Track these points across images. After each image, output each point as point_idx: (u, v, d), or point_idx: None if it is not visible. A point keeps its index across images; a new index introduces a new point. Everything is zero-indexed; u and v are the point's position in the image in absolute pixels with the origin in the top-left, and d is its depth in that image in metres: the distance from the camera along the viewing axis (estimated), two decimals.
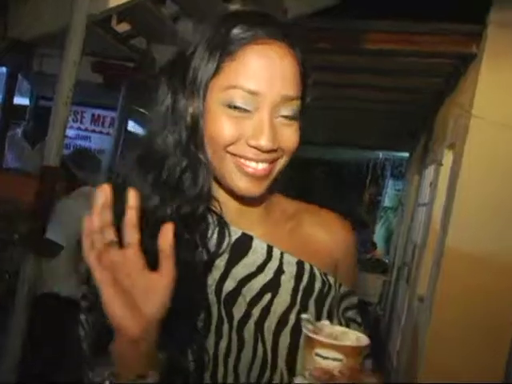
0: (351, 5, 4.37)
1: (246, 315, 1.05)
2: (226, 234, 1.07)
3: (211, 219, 1.08)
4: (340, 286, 1.13)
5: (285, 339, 1.05)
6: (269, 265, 1.08)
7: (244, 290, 1.05)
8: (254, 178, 1.01)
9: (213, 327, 1.02)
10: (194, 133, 1.04)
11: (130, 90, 6.35)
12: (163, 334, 0.90)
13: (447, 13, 4.44)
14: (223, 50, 1.01)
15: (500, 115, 4.16)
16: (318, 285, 1.10)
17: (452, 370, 4.00)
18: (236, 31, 1.01)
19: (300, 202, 1.21)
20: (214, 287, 1.04)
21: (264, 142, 0.98)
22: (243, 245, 1.09)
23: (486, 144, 4.25)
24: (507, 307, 3.92)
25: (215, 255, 1.05)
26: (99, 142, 7.43)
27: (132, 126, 10.71)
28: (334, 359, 0.87)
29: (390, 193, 12.80)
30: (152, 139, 1.07)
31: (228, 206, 1.09)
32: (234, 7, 1.09)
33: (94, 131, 7.69)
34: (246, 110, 1.00)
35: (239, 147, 1.00)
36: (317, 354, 0.88)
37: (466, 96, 4.75)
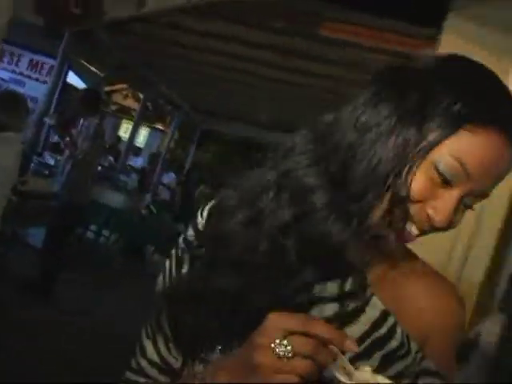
0: None
1: None
2: None
3: None
4: (422, 358, 1.02)
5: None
6: (352, 298, 1.01)
7: (315, 309, 0.99)
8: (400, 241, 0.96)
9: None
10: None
11: (73, 38, 6.20)
12: None
13: (404, 14, 4.50)
14: (472, 113, 0.91)
15: None
16: (394, 342, 1.00)
17: None
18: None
19: (418, 258, 1.11)
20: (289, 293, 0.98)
21: (439, 222, 0.93)
22: None
23: None
24: None
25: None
26: (34, 89, 7.27)
27: (71, 78, 10.48)
28: None
29: None
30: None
31: None
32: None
33: (29, 77, 7.51)
34: (446, 179, 0.92)
35: (412, 206, 0.93)
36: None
37: None
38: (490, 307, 4.44)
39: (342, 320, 0.99)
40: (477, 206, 1.01)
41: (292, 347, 0.80)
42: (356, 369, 0.83)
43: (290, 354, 0.79)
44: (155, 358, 1.07)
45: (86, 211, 6.56)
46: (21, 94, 4.95)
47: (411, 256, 1.09)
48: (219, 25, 5.91)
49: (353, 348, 0.82)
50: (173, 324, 1.03)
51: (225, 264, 0.97)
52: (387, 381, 0.84)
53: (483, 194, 0.95)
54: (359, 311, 1.00)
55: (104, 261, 8.11)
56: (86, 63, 10.75)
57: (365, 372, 0.84)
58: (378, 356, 0.98)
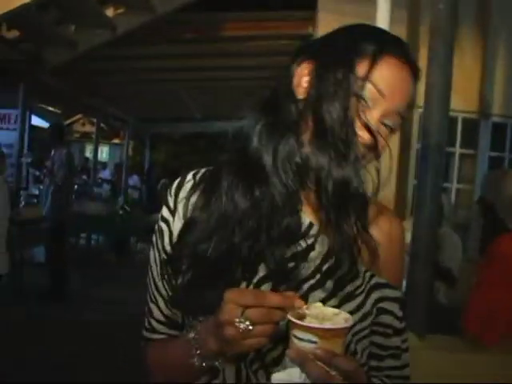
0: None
1: (267, 276, 0.95)
2: None
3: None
4: (372, 276, 1.00)
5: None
6: (304, 238, 0.98)
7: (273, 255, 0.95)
8: (365, 161, 0.94)
9: (236, 280, 0.95)
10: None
11: (28, 89, 6.14)
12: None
13: (285, 1, 4.63)
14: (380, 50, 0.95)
15: None
16: (342, 269, 0.96)
17: None
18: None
19: None
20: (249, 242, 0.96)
21: (367, 137, 0.92)
22: None
23: None
24: None
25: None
26: (7, 137, 7.19)
27: (35, 121, 10.31)
28: (309, 341, 0.78)
29: None
30: None
31: None
32: None
33: (1, 128, 7.43)
34: (365, 101, 0.92)
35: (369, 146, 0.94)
36: (294, 336, 0.80)
37: None
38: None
39: (298, 258, 0.96)
40: None
41: (250, 320, 0.79)
42: (307, 308, 0.83)
43: (250, 327, 0.79)
44: (161, 317, 1.05)
45: (75, 223, 6.61)
46: None
47: None
48: (143, 47, 5.94)
49: (300, 304, 0.82)
50: (168, 286, 1.02)
51: (198, 229, 0.96)
52: (336, 310, 0.84)
53: (399, 115, 0.95)
54: (310, 249, 0.97)
55: (98, 258, 8.20)
56: (44, 106, 10.60)
57: (315, 307, 0.84)
58: (330, 282, 0.96)
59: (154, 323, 1.06)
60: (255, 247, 0.94)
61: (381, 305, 1.02)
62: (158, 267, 1.03)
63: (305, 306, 0.82)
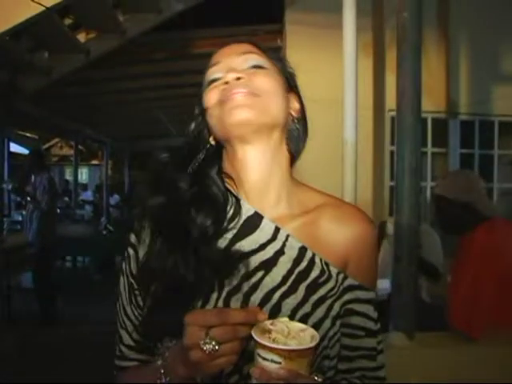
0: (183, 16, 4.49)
1: (236, 288, 0.94)
2: (240, 211, 0.98)
3: (230, 198, 1.00)
4: (345, 278, 0.99)
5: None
6: (271, 244, 0.96)
7: (240, 265, 0.94)
8: (240, 103, 0.94)
9: (202, 292, 0.93)
10: (204, 126, 1.04)
11: (5, 117, 6.07)
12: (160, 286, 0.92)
13: (254, 16, 4.65)
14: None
15: (303, 89, 4.38)
16: (315, 272, 0.96)
17: None
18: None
19: (326, 195, 1.07)
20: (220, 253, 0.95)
21: (230, 74, 0.97)
22: (253, 223, 0.98)
23: None
24: None
25: (225, 229, 0.97)
26: None
27: (14, 147, 10.20)
28: (272, 361, 0.76)
29: None
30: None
31: (246, 188, 1.00)
32: None
33: None
34: (219, 78, 0.99)
35: (220, 95, 0.97)
36: (258, 355, 0.77)
37: None
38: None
39: (267, 266, 0.95)
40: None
41: (216, 340, 0.77)
42: (271, 324, 0.80)
43: (216, 347, 0.76)
44: (130, 342, 1.02)
45: (60, 246, 6.53)
46: None
47: (315, 194, 1.07)
48: (117, 69, 5.93)
49: (263, 317, 0.80)
50: (136, 312, 1.01)
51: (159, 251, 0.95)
52: (303, 326, 0.82)
53: (245, 52, 1.02)
54: (279, 254, 0.96)
55: (84, 279, 8.08)
56: (21, 132, 10.49)
57: (281, 322, 0.81)
58: (302, 287, 0.95)
59: (124, 350, 1.03)
60: (216, 260, 0.93)
61: (351, 306, 1.00)
62: (127, 292, 1.02)
63: (270, 322, 0.80)
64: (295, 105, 1.07)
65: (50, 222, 5.92)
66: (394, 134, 4.65)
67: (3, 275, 5.46)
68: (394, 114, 4.48)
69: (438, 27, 4.53)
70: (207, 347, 0.76)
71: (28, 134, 11.03)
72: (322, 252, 0.98)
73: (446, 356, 2.37)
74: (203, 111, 1.02)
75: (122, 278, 1.04)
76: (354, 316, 1.01)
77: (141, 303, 0.99)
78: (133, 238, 1.02)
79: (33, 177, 5.92)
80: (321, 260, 0.97)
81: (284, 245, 0.97)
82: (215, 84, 1.00)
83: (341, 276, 0.99)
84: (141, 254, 0.99)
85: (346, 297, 0.99)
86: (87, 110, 8.10)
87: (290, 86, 1.07)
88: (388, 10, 4.45)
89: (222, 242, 0.96)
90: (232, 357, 0.79)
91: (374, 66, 4.54)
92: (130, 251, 1.02)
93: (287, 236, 0.97)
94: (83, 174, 18.51)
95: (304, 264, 0.96)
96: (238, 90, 0.95)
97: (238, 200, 1.00)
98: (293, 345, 0.77)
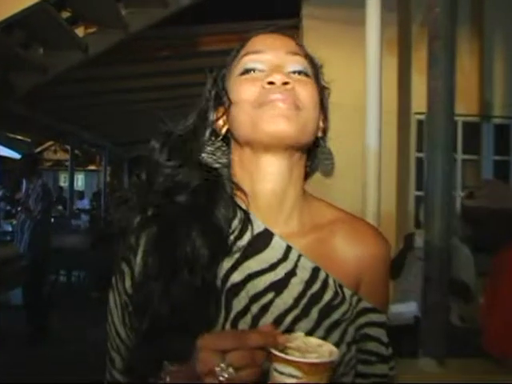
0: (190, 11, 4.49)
1: (245, 310, 0.93)
2: (249, 227, 0.97)
3: (239, 212, 0.97)
4: (359, 301, 0.99)
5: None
6: (282, 265, 0.96)
7: (249, 285, 0.93)
8: (282, 111, 0.93)
9: (209, 315, 0.91)
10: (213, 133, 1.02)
11: None
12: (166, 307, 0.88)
13: (269, 11, 4.64)
14: (240, 47, 1.03)
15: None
16: (328, 295, 0.96)
17: None
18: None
19: (338, 210, 1.07)
20: (221, 276, 0.94)
21: (276, 74, 0.94)
22: (263, 240, 0.97)
23: None
24: None
25: (233, 245, 0.95)
26: None
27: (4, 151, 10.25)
28: (290, 375, 0.76)
29: None
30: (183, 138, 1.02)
31: (258, 200, 0.99)
32: None
33: None
34: (258, 70, 0.97)
35: (260, 96, 0.94)
36: (275, 369, 0.77)
37: None
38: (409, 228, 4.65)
39: (278, 287, 0.95)
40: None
41: (232, 367, 0.75)
42: (287, 340, 0.80)
43: (234, 374, 0.75)
44: (121, 365, 0.99)
45: (53, 259, 6.53)
46: None
47: (327, 209, 1.07)
48: (117, 67, 5.94)
49: (283, 341, 0.78)
50: (130, 333, 0.97)
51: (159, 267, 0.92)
52: (321, 341, 0.82)
53: (292, 52, 0.99)
54: (291, 275, 0.96)
55: (80, 295, 8.03)
56: (11, 135, 10.54)
57: (296, 338, 0.81)
58: (315, 311, 0.95)
59: (116, 375, 1.00)
60: (227, 278, 0.93)
61: (365, 331, 1.00)
62: (119, 311, 0.98)
63: (285, 337, 0.80)
64: (322, 123, 1.05)
65: (44, 232, 5.92)
66: (420, 139, 4.67)
67: None
68: (420, 117, 4.54)
69: (471, 25, 4.51)
70: (224, 375, 0.75)
71: (19, 137, 11.06)
72: (335, 272, 0.98)
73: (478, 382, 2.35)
74: (224, 95, 1.00)
75: (113, 295, 1.00)
76: (368, 341, 1.01)
77: (135, 325, 0.94)
78: (127, 253, 0.97)
79: (24, 183, 5.94)
80: (334, 281, 0.97)
81: (296, 265, 0.96)
82: (254, 75, 0.97)
83: (355, 298, 0.99)
84: (136, 271, 0.95)
85: (360, 320, 0.99)
86: (84, 112, 8.14)
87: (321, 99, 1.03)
88: (415, 3, 4.44)
89: (229, 261, 0.95)
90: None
91: (399, 65, 4.53)
92: (125, 267, 0.97)
93: (299, 256, 0.97)
94: (79, 181, 18.59)
95: (317, 286, 0.96)
96: (284, 96, 0.93)
97: (247, 214, 0.98)
98: (312, 358, 0.77)
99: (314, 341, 0.82)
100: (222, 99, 1.01)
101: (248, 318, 0.93)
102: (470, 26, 4.50)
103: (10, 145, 11.13)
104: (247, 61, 0.99)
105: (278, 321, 0.93)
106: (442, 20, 2.28)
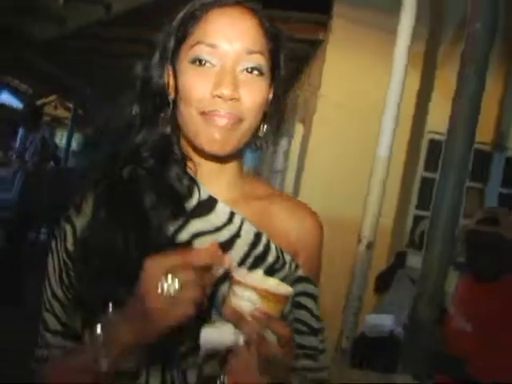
0: None
1: None
2: (196, 192, 1.02)
3: (185, 179, 1.02)
4: (296, 268, 1.05)
5: (220, 295, 0.97)
6: (227, 227, 1.01)
7: (196, 244, 0.98)
8: (221, 132, 0.96)
9: None
10: (164, 98, 1.02)
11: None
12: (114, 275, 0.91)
13: (298, 2, 4.61)
14: (190, 17, 1.00)
15: (341, 93, 4.43)
16: (271, 257, 1.02)
17: None
18: (201, 1, 1.00)
19: (275, 188, 1.17)
20: (169, 234, 0.98)
21: (225, 89, 0.94)
22: (207, 206, 1.02)
23: (330, 120, 4.49)
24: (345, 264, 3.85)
25: (181, 207, 0.99)
26: None
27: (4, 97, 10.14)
28: (248, 300, 0.81)
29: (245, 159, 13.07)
30: (121, 110, 1.04)
31: (202, 168, 1.03)
32: None
33: None
34: (210, 64, 0.97)
35: (206, 103, 0.96)
36: (233, 293, 0.82)
37: (314, 78, 4.95)
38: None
39: (224, 247, 0.95)
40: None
41: (178, 281, 0.79)
42: (247, 275, 0.85)
43: (177, 287, 0.79)
44: (57, 326, 1.02)
45: (38, 216, 6.46)
46: None
47: (266, 185, 1.15)
48: (138, 30, 5.89)
49: (231, 261, 0.84)
50: (68, 291, 1.00)
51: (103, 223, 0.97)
52: (277, 280, 0.87)
53: (249, 51, 0.97)
54: (235, 237, 1.01)
55: None
56: (13, 83, 10.46)
57: (256, 274, 0.86)
58: (260, 271, 0.95)
59: (48, 337, 1.02)
60: (174, 237, 0.97)
61: (298, 299, 1.05)
62: (57, 273, 1.01)
63: (245, 273, 0.86)
64: (269, 96, 1.05)
65: (35, 186, 5.85)
66: (430, 159, 4.68)
67: None
68: (434, 136, 4.54)
69: (502, 47, 4.46)
70: (167, 288, 0.78)
71: (23, 85, 10.97)
72: (275, 240, 1.04)
73: None
74: (171, 66, 1.03)
75: (51, 257, 1.03)
76: (301, 310, 1.05)
77: (73, 282, 0.99)
78: (71, 211, 1.02)
79: (21, 133, 5.89)
80: (276, 247, 1.03)
81: (240, 228, 1.02)
82: (205, 69, 0.97)
83: (293, 265, 1.04)
84: (78, 227, 1.00)
85: (296, 288, 1.01)
86: (95, 72, 8.08)
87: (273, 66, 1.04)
88: (449, 19, 4.41)
89: (176, 222, 0.99)
90: (190, 308, 0.80)
91: (421, 81, 4.53)
92: (66, 226, 1.02)
93: (242, 220, 1.03)
94: (75, 141, 18.47)
95: (260, 249, 1.02)
96: (228, 112, 0.96)
97: (194, 180, 1.03)
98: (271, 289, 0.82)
99: (271, 280, 0.86)
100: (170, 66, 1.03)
101: None
102: (501, 48, 4.44)
103: (12, 93, 11.05)
104: (200, 51, 0.97)
105: (224, 280, 0.95)
106: (481, 38, 2.21)
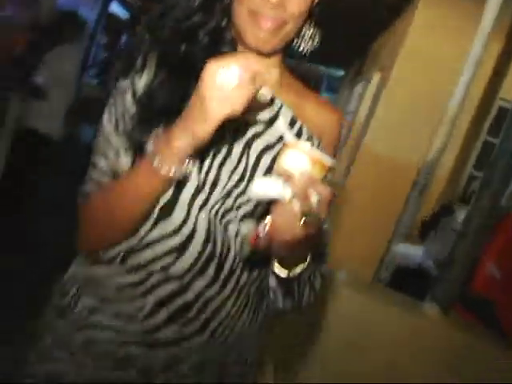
0: None
1: (241, 136, 1.10)
2: None
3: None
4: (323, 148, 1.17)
5: (265, 156, 1.10)
6: (268, 109, 1.12)
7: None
8: (265, 33, 1.04)
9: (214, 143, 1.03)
10: None
11: None
12: None
13: None
14: None
15: (426, 47, 4.50)
16: (304, 137, 1.15)
17: None
18: None
19: (310, 86, 1.25)
20: None
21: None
22: None
23: (408, 71, 4.59)
24: (397, 204, 3.94)
25: None
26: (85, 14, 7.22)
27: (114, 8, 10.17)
28: (299, 163, 0.87)
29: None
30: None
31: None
32: None
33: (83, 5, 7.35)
34: None
35: (255, 4, 1.03)
36: (286, 156, 0.89)
37: (401, 30, 5.01)
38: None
39: (266, 125, 1.11)
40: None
41: (235, 75, 0.86)
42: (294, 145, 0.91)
43: (236, 81, 0.86)
44: (106, 167, 1.06)
45: None
46: (77, 11, 4.74)
47: (304, 84, 1.25)
48: None
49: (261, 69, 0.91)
50: (125, 137, 1.05)
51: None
52: (321, 153, 0.91)
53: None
54: (275, 118, 1.12)
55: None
56: None
57: (306, 143, 0.91)
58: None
59: (96, 175, 1.08)
60: None
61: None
62: (113, 122, 1.06)
63: (296, 140, 0.92)
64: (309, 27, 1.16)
65: None
66: (495, 124, 4.57)
67: (70, 122, 5.06)
68: (504, 104, 4.47)
69: None
70: (223, 80, 0.86)
71: None
72: (304, 122, 1.17)
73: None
74: None
75: (108, 111, 1.08)
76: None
77: (130, 128, 1.04)
78: (132, 73, 1.07)
79: (124, 40, 6.01)
80: (307, 129, 1.17)
81: (279, 111, 1.14)
82: None
83: (320, 148, 1.15)
84: (139, 85, 1.06)
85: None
86: None
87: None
88: None
89: None
90: (241, 103, 0.88)
91: (503, 49, 4.52)
92: (126, 82, 1.06)
93: (281, 104, 1.15)
94: None
95: (295, 130, 1.15)
96: (272, 16, 1.03)
97: None
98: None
99: (317, 150, 0.91)
100: None
101: (243, 140, 1.10)
102: None
103: (120, 3, 11.00)
104: None
105: (266, 148, 1.11)
106: None
